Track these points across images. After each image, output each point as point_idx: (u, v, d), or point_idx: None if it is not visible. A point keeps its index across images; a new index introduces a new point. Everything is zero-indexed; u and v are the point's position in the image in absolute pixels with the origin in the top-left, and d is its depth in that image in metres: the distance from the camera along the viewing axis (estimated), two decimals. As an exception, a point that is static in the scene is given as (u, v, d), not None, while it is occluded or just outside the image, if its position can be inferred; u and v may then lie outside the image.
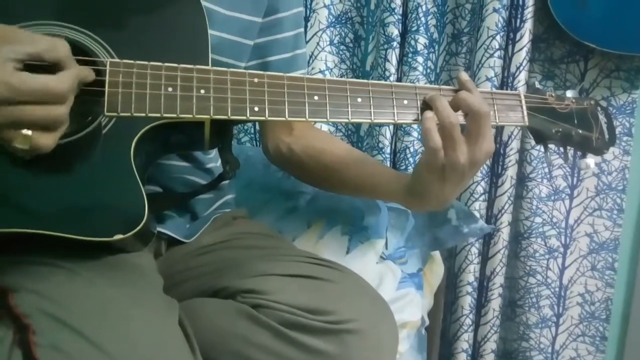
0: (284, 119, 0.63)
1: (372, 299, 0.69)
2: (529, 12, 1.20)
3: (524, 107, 0.72)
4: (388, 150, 1.26)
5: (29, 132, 0.52)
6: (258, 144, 1.29)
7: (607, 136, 0.77)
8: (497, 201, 1.28)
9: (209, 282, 0.71)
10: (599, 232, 1.32)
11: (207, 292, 0.70)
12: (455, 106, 0.66)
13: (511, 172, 1.26)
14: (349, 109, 0.65)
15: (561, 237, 1.33)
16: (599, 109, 0.78)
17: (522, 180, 1.29)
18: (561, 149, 0.76)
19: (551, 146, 0.76)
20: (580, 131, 0.75)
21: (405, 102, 0.67)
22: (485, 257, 1.31)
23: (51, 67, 0.53)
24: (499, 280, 1.30)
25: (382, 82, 0.68)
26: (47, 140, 0.53)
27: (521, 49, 1.21)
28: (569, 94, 0.77)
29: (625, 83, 1.27)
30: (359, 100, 0.66)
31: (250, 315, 0.64)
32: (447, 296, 1.29)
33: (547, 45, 1.27)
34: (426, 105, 0.67)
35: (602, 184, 1.30)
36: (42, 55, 0.52)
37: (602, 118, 0.77)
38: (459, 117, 0.66)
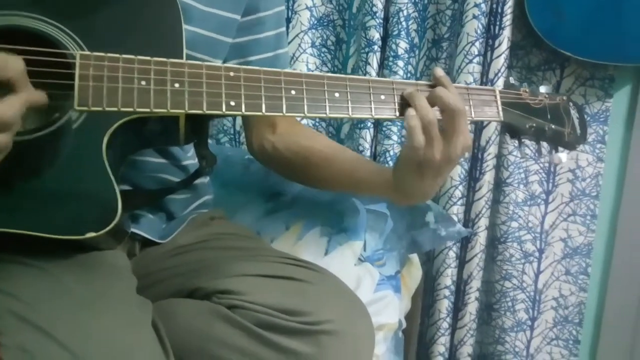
0: (260, 113, 0.62)
1: (350, 300, 0.69)
2: (507, 19, 1.22)
3: (499, 103, 0.73)
4: (368, 154, 1.26)
5: None
6: (237, 144, 1.29)
7: (579, 131, 0.78)
8: (474, 205, 1.29)
9: (184, 283, 0.70)
10: (573, 237, 1.34)
11: (182, 293, 0.69)
12: (432, 102, 0.67)
13: (488, 176, 1.28)
14: (327, 104, 0.65)
15: (536, 241, 1.35)
16: (571, 104, 0.79)
17: (499, 185, 1.31)
18: (535, 144, 0.77)
19: (526, 143, 0.77)
20: (553, 126, 0.76)
21: (383, 97, 0.67)
22: (462, 260, 1.32)
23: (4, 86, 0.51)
24: (475, 284, 1.31)
25: (360, 76, 0.68)
26: None
27: (499, 55, 1.23)
28: (543, 89, 0.78)
29: (599, 91, 1.29)
30: (337, 95, 0.65)
31: (225, 316, 0.63)
32: (425, 299, 1.30)
33: (524, 53, 1.30)
34: (404, 101, 0.67)
35: (577, 190, 1.33)
36: None
37: (574, 113, 0.78)
38: (435, 113, 0.66)
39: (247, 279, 0.67)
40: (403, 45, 1.24)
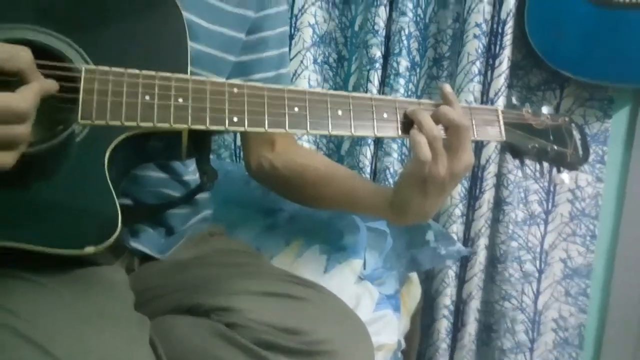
0: (263, 129, 0.62)
1: (349, 319, 0.68)
2: (507, 39, 1.23)
3: (501, 123, 0.73)
4: (368, 170, 1.26)
5: None
6: (238, 159, 1.28)
7: (580, 152, 0.79)
8: (474, 224, 1.28)
9: (183, 299, 0.69)
10: (573, 257, 1.33)
11: (180, 310, 0.68)
12: (436, 120, 0.67)
13: (488, 195, 1.27)
14: (329, 121, 0.65)
15: (536, 261, 1.34)
16: (573, 125, 0.80)
17: (499, 204, 1.30)
18: (537, 165, 0.77)
19: (527, 163, 0.77)
20: (555, 147, 0.76)
21: (385, 115, 0.67)
22: (462, 280, 1.31)
23: (12, 78, 0.51)
24: (475, 304, 1.30)
25: (363, 94, 0.68)
26: (6, 159, 0.51)
27: (500, 75, 1.24)
28: (545, 110, 0.79)
29: (598, 112, 1.30)
30: (340, 112, 0.65)
31: (223, 334, 0.62)
32: (424, 319, 1.28)
33: (524, 73, 1.30)
34: (406, 119, 0.68)
35: (576, 210, 1.32)
36: (2, 65, 0.50)
37: (576, 134, 0.79)
38: (440, 131, 0.66)
39: (247, 297, 0.66)
40: (404, 63, 1.25)
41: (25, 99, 0.50)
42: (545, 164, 0.78)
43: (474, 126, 0.71)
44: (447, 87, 0.69)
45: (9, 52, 0.51)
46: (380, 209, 0.76)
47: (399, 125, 0.68)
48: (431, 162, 0.66)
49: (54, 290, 0.59)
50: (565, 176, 0.78)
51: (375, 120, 0.67)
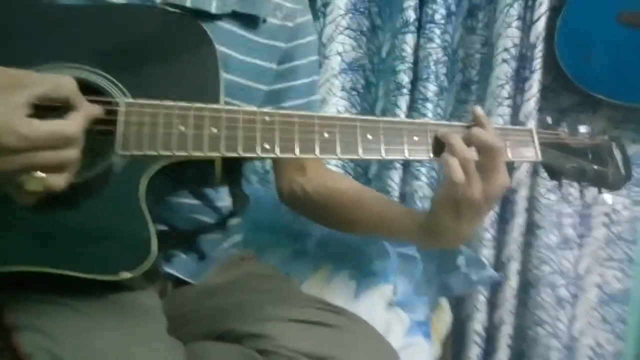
0: (294, 155, 0.63)
1: (382, 347, 0.68)
2: (537, 63, 1.23)
3: (536, 143, 0.72)
4: (396, 194, 1.26)
5: (43, 175, 0.52)
6: (267, 184, 1.30)
7: (623, 171, 0.76)
8: (505, 249, 1.27)
9: (215, 325, 0.70)
10: (609, 282, 1.30)
11: (213, 335, 0.69)
12: (468, 142, 0.66)
13: (520, 219, 1.26)
14: (360, 145, 0.65)
15: (570, 287, 1.31)
16: (613, 144, 0.77)
17: (531, 228, 1.29)
18: (577, 185, 0.75)
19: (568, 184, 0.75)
20: (595, 166, 0.74)
21: (416, 138, 0.67)
22: (493, 305, 1.29)
23: (60, 106, 0.54)
24: (506, 329, 1.27)
25: (393, 118, 0.69)
26: (59, 182, 0.53)
27: (530, 98, 1.23)
28: (583, 129, 0.77)
29: (633, 134, 1.28)
30: (370, 137, 0.66)
31: None
32: (454, 345, 1.26)
33: (554, 95, 1.29)
34: (437, 142, 0.67)
35: (612, 234, 1.29)
36: (50, 94, 0.53)
37: (616, 153, 0.76)
38: (472, 154, 0.66)
39: (279, 324, 0.66)
40: (432, 88, 1.26)
41: (74, 124, 0.53)
42: (586, 185, 0.75)
43: (508, 147, 0.70)
44: (479, 109, 0.68)
45: (55, 81, 0.54)
46: (411, 232, 0.76)
47: (430, 148, 0.68)
48: (465, 185, 0.65)
49: (88, 315, 0.60)
50: (608, 197, 0.76)
51: (406, 143, 0.67)
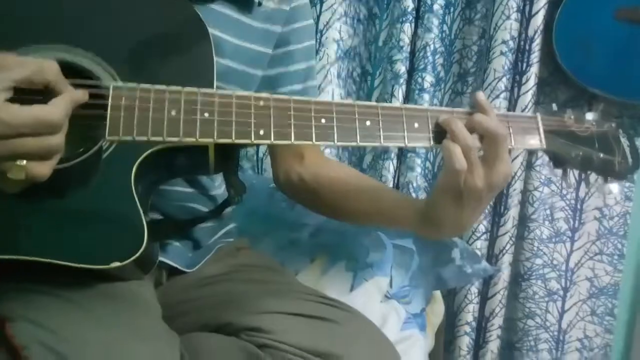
0: (289, 142, 0.61)
1: (380, 342, 0.68)
2: (535, 56, 1.22)
3: (541, 130, 0.69)
4: (391, 184, 1.25)
5: (24, 163, 0.50)
6: (261, 171, 1.29)
7: (630, 160, 0.73)
8: (498, 241, 1.27)
9: (212, 316, 0.69)
10: (599, 276, 1.31)
11: (209, 327, 0.68)
12: (470, 129, 0.64)
13: (513, 212, 1.26)
14: (358, 132, 0.63)
15: (561, 280, 1.32)
16: (620, 131, 0.75)
17: (523, 220, 1.29)
18: (581, 174, 0.72)
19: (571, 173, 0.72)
20: (602, 155, 0.72)
21: (416, 125, 0.65)
22: (484, 297, 1.29)
23: (42, 90, 0.52)
24: (497, 321, 1.28)
25: (392, 104, 0.66)
26: (43, 170, 0.51)
27: (527, 91, 1.23)
28: (589, 116, 0.74)
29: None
30: (368, 123, 0.63)
31: (255, 355, 0.62)
32: (445, 335, 1.27)
33: (551, 89, 1.29)
34: (438, 128, 0.65)
35: (604, 228, 1.30)
36: (31, 78, 0.51)
37: (624, 141, 0.74)
38: (475, 141, 0.64)
39: (278, 317, 0.66)
40: (429, 79, 1.25)
41: (57, 109, 0.51)
42: (592, 174, 0.72)
43: (511, 135, 0.68)
44: (481, 95, 0.66)
45: (36, 64, 0.51)
46: (411, 221, 0.74)
47: (431, 135, 0.65)
48: (467, 173, 0.63)
49: (82, 305, 0.59)
50: (614, 186, 0.72)
51: (405, 130, 0.65)
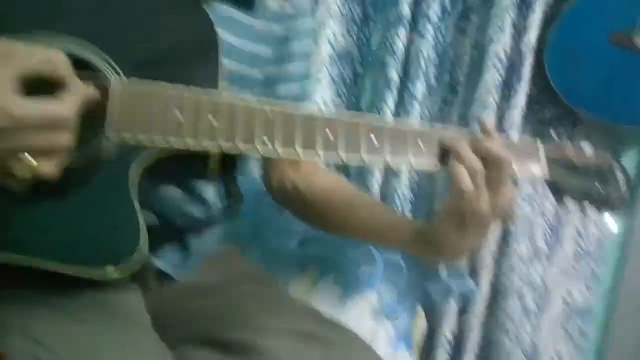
0: (295, 155, 0.59)
1: None
2: (526, 72, 1.22)
3: (543, 159, 0.70)
4: (377, 193, 1.22)
5: (31, 159, 0.48)
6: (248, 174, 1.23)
7: (624, 194, 0.75)
8: (479, 257, 1.26)
9: (203, 329, 0.66)
10: (574, 297, 1.32)
11: (201, 340, 0.65)
12: (475, 153, 0.64)
13: (493, 228, 1.25)
14: (363, 148, 0.62)
15: (537, 298, 1.32)
16: (614, 164, 0.76)
17: (505, 237, 1.28)
18: (577, 203, 0.73)
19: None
20: (598, 185, 0.73)
21: (423, 146, 0.65)
22: (462, 312, 1.28)
23: (47, 82, 0.49)
24: (474, 337, 1.27)
25: (401, 122, 0.66)
26: (50, 168, 0.49)
27: (515, 107, 1.22)
28: (586, 147, 0.75)
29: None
30: (374, 139, 0.63)
31: None
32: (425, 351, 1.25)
33: (540, 107, 1.29)
34: (444, 151, 0.65)
35: (580, 249, 1.31)
36: (40, 70, 0.48)
37: (619, 175, 0.75)
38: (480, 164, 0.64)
39: (272, 335, 0.63)
40: (420, 87, 1.23)
41: (66, 106, 0.49)
42: (587, 203, 0.73)
43: (513, 162, 0.67)
44: (488, 121, 0.67)
45: (46, 55, 0.49)
46: (408, 242, 0.72)
47: (437, 157, 0.65)
48: (472, 197, 0.63)
49: (76, 317, 0.58)
50: (609, 219, 0.74)
51: (411, 152, 0.64)
